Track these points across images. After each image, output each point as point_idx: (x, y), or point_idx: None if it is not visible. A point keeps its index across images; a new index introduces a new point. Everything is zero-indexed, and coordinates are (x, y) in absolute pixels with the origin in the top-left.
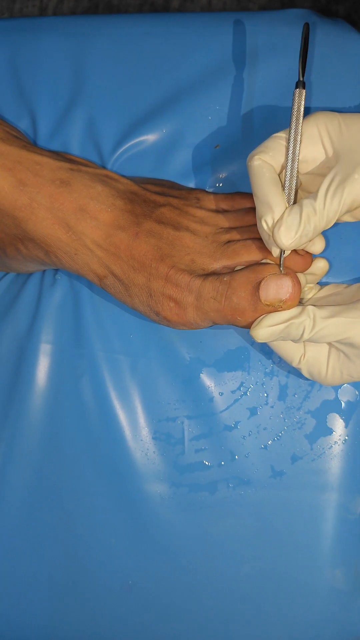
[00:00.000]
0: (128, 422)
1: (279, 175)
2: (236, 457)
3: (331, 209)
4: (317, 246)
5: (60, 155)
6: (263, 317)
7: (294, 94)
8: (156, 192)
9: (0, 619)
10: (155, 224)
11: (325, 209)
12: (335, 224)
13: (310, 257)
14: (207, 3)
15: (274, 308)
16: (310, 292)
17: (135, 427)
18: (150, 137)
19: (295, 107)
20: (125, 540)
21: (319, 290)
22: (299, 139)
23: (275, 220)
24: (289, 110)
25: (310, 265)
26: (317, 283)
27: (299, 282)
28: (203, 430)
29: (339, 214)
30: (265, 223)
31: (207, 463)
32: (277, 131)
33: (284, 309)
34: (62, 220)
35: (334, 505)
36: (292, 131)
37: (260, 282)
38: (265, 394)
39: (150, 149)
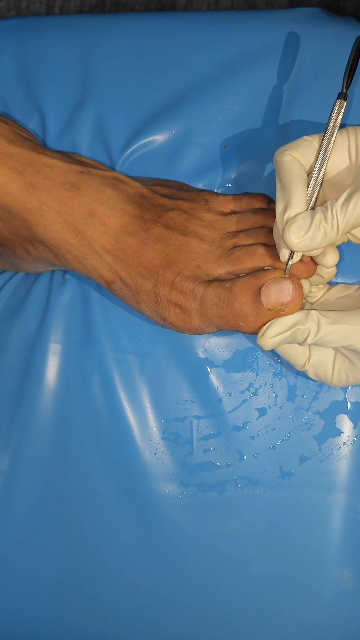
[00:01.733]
0: (137, 422)
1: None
2: (245, 457)
3: (341, 219)
4: (329, 259)
5: (70, 157)
6: (268, 326)
7: (334, 104)
8: (165, 194)
9: (9, 616)
10: (164, 229)
11: (335, 218)
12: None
13: (314, 265)
14: (214, 1)
15: (276, 312)
16: (319, 292)
17: (144, 426)
18: (159, 137)
19: (334, 116)
20: (133, 539)
21: (328, 290)
22: (330, 148)
23: (283, 217)
24: (298, 108)
25: (314, 273)
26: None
27: (300, 285)
28: (212, 430)
29: (349, 224)
30: (283, 217)
31: (215, 463)
32: (285, 129)
33: (287, 313)
34: (72, 224)
35: (341, 505)
36: (326, 139)
37: (261, 287)
38: (274, 395)
39: (159, 149)
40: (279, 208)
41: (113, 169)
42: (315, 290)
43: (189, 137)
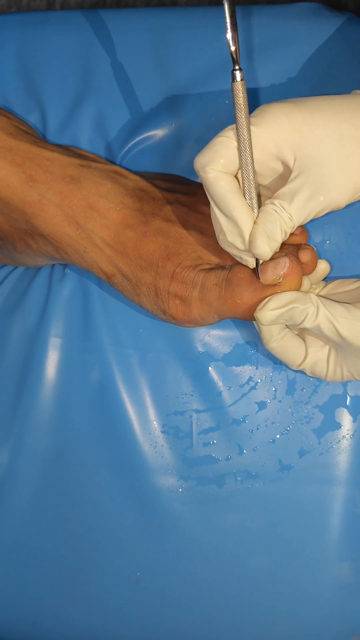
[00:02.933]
0: (137, 416)
1: (236, 177)
2: (244, 450)
3: (298, 218)
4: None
5: (70, 151)
6: (269, 299)
7: (232, 88)
8: (165, 188)
9: (9, 609)
10: (163, 222)
11: (291, 219)
12: (348, 219)
13: (314, 262)
14: None
15: (275, 286)
16: (316, 290)
17: (144, 420)
18: (158, 132)
19: (238, 103)
20: (133, 532)
21: (324, 287)
22: (248, 140)
23: (247, 235)
24: None
25: (314, 265)
26: (324, 280)
27: (297, 261)
28: (211, 423)
29: (306, 219)
30: (237, 240)
31: (215, 456)
32: None
33: (285, 287)
34: (72, 217)
35: (341, 499)
36: (240, 133)
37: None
38: (274, 388)
39: (159, 144)
40: (225, 231)
41: (113, 163)
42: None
43: (188, 131)
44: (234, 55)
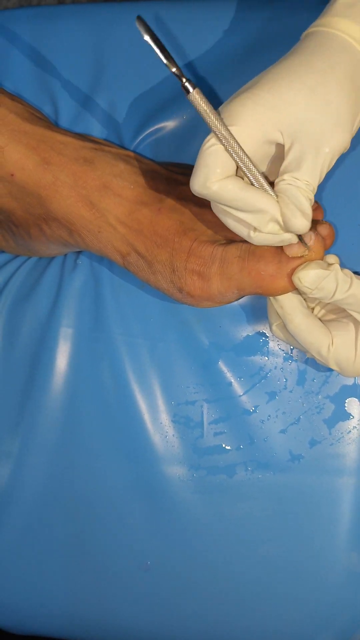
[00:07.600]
0: (147, 406)
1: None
2: (255, 440)
3: (316, 182)
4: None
5: (83, 136)
6: (308, 262)
7: (190, 100)
8: (177, 172)
9: (19, 598)
10: (177, 200)
11: (310, 185)
12: (358, 210)
13: (330, 230)
14: None
15: (300, 259)
16: None
17: (154, 410)
18: (170, 124)
19: (202, 111)
20: (143, 521)
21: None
22: (230, 136)
23: (279, 218)
24: None
25: (332, 240)
26: None
27: (320, 234)
28: (222, 413)
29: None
30: (272, 226)
31: (225, 446)
32: None
33: (311, 258)
34: (86, 197)
35: (351, 489)
36: (220, 134)
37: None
38: (284, 379)
39: (171, 135)
40: (257, 222)
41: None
42: None
43: (200, 123)
44: (179, 76)
